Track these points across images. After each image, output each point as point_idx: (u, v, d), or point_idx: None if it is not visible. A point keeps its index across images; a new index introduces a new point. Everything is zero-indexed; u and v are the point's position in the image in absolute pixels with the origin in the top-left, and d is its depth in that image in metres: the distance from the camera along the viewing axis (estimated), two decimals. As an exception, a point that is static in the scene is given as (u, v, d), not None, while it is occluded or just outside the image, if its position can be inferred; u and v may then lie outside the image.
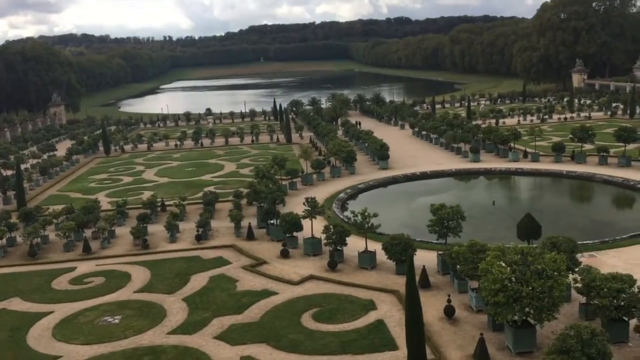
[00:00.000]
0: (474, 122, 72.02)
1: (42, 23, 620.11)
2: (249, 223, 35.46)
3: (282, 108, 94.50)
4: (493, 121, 79.43)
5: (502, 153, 55.49)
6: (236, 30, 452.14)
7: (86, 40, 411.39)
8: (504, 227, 34.27)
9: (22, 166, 53.09)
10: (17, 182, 44.63)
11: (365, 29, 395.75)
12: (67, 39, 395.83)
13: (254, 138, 77.49)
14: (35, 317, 25.29)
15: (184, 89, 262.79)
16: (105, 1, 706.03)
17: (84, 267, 31.43)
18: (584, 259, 26.00)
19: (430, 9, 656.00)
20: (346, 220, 35.71)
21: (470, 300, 23.56)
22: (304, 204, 33.58)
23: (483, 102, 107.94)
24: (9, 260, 33.64)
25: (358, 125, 77.81)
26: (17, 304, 26.99)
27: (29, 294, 28.06)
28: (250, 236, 34.52)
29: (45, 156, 67.69)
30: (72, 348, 22.21)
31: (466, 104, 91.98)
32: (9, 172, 55.18)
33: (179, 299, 26.35)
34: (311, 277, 27.84)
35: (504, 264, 19.51)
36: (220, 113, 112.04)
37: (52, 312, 25.70)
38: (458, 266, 23.53)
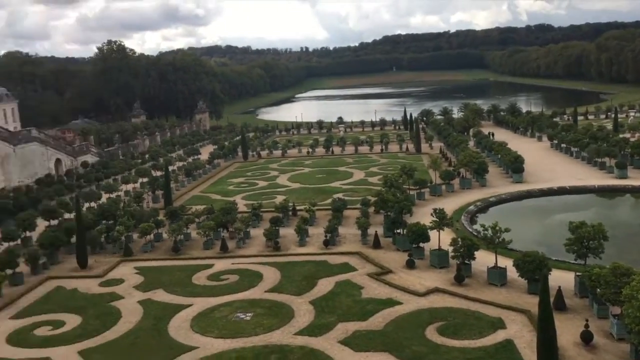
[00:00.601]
0: (621, 135, 66.62)
1: (191, 35, 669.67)
2: (376, 231, 35.69)
3: (413, 117, 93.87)
4: (644, 135, 72.92)
5: (654, 170, 50.83)
6: (370, 40, 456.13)
7: (230, 51, 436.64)
8: (653, 251, 31.40)
9: (170, 168, 57.54)
10: (165, 182, 48.56)
11: (503, 36, 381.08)
12: (213, 51, 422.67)
13: (383, 147, 77.77)
14: (177, 308, 27.32)
15: (317, 97, 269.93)
16: (248, 15, 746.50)
17: (220, 265, 33.44)
18: None
19: (574, 15, 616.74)
20: (475, 233, 34.69)
21: (611, 327, 21.87)
22: (431, 214, 33.18)
23: (632, 113, 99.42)
24: (155, 254, 36.68)
25: (491, 136, 75.21)
26: (161, 295, 29.33)
27: (172, 286, 30.35)
28: (377, 244, 34.72)
29: (190, 159, 72.87)
30: (207, 340, 23.73)
31: (613, 115, 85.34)
32: (159, 173, 60.13)
33: (306, 301, 27.16)
34: (437, 290, 27.41)
35: (651, 291, 17.94)
36: (351, 122, 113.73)
37: (191, 305, 27.63)
38: (598, 290, 21.98)
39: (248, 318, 25.65)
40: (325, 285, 29.01)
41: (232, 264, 33.52)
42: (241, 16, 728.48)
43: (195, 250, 36.72)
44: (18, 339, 24.95)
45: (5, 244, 37.18)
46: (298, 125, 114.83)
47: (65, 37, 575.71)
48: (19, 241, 38.82)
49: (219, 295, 28.54)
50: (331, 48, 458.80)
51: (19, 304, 29.04)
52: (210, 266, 33.33)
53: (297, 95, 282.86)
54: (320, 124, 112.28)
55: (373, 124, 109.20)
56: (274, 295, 28.24)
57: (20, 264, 32.84)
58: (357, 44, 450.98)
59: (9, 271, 31.82)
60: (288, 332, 23.98)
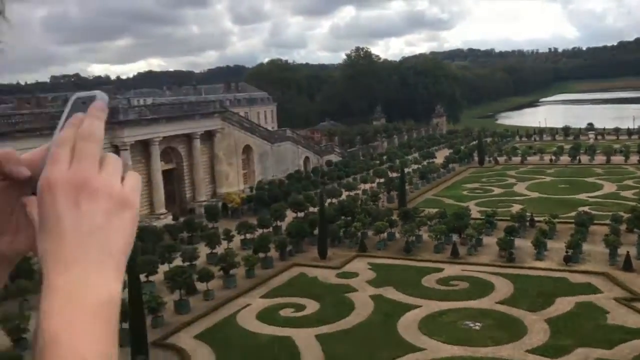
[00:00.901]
0: None
1: (433, 40, 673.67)
2: (627, 252, 31.94)
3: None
4: None
5: None
6: (631, 38, 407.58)
7: (472, 54, 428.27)
8: None
9: (405, 170, 58.82)
10: (400, 183, 49.93)
11: None
12: (454, 54, 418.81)
13: (643, 158, 69.08)
14: (405, 307, 27.97)
15: (564, 102, 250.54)
16: (494, 17, 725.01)
17: (450, 270, 33.26)
18: None
19: None
20: None
21: None
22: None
23: None
24: (387, 252, 37.95)
25: None
26: (391, 293, 30.28)
27: (402, 285, 31.06)
28: (628, 266, 31.09)
29: (425, 162, 73.54)
30: (434, 344, 23.85)
31: None
32: (394, 174, 61.90)
33: (541, 319, 25.62)
34: None
35: None
36: (604, 128, 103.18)
37: (419, 306, 28.03)
38: None
39: (477, 328, 25.12)
40: (563, 305, 26.99)
41: (462, 270, 33.08)
42: (486, 18, 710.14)
43: (425, 253, 37.08)
44: (266, 316, 28.04)
45: (260, 231, 41.99)
46: (540, 131, 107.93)
47: (318, 45, 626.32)
48: (270, 229, 43.49)
49: (447, 300, 28.46)
50: (584, 48, 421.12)
51: (269, 285, 32.61)
52: (440, 270, 33.35)
53: (541, 99, 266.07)
54: (566, 131, 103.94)
55: (630, 132, 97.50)
56: (506, 307, 27.19)
57: (271, 250, 36.85)
58: (615, 43, 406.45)
59: (261, 255, 35.97)
60: (519, 348, 22.91)
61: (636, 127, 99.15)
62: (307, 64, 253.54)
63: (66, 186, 0.68)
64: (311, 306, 28.85)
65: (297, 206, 48.10)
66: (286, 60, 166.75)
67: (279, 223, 44.45)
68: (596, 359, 21.57)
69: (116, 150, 46.95)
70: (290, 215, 46.59)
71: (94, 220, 0.69)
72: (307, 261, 36.67)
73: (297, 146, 72.28)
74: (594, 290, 28.64)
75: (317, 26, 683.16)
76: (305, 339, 25.00)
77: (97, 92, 0.82)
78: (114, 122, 46.76)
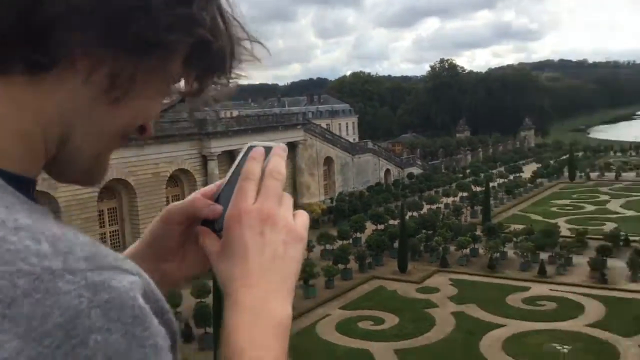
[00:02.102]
0: None
1: (520, 51, 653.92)
2: None
3: None
4: None
5: None
6: None
7: (562, 65, 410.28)
8: None
9: (490, 184, 57.26)
10: (484, 198, 48.64)
11: None
12: (544, 65, 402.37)
13: None
14: (488, 326, 27.18)
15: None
16: (586, 27, 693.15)
17: (537, 289, 31.97)
18: None
19: None
20: None
21: None
22: None
23: None
24: (470, 268, 36.97)
25: None
26: (473, 310, 29.51)
27: (485, 303, 30.15)
28: None
29: (511, 177, 71.22)
30: (519, 365, 23.00)
31: None
32: (479, 189, 60.35)
33: (635, 344, 24.10)
34: None
35: None
36: None
37: (503, 325, 27.14)
38: None
39: (565, 351, 23.90)
40: (662, 330, 25.26)
41: (550, 290, 31.71)
42: (578, 28, 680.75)
43: (510, 270, 35.85)
44: (345, 328, 28.05)
45: (340, 242, 42.10)
46: (637, 146, 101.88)
47: (401, 57, 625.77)
48: (350, 240, 43.52)
49: (533, 321, 27.38)
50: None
51: (348, 297, 32.64)
52: (526, 289, 32.15)
53: (638, 112, 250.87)
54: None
55: None
56: (596, 331, 25.79)
57: (350, 261, 36.86)
58: None
59: (341, 266, 36.04)
60: (611, 375, 21.66)
61: None
62: (389, 76, 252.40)
63: (253, 218, 0.79)
64: (390, 320, 28.60)
65: (377, 218, 47.88)
66: (368, 73, 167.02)
67: (358, 235, 44.40)
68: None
69: (204, 160, 48.77)
70: (370, 227, 46.43)
71: (275, 249, 0.79)
72: (387, 274, 36.40)
73: (378, 158, 72.13)
74: (698, 317, 26.62)
75: (400, 38, 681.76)
76: (383, 353, 24.80)
77: (273, 144, 0.88)
78: (202, 133, 48.62)
